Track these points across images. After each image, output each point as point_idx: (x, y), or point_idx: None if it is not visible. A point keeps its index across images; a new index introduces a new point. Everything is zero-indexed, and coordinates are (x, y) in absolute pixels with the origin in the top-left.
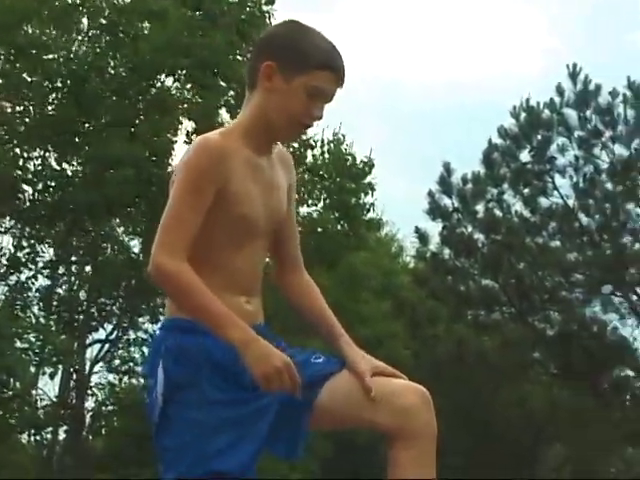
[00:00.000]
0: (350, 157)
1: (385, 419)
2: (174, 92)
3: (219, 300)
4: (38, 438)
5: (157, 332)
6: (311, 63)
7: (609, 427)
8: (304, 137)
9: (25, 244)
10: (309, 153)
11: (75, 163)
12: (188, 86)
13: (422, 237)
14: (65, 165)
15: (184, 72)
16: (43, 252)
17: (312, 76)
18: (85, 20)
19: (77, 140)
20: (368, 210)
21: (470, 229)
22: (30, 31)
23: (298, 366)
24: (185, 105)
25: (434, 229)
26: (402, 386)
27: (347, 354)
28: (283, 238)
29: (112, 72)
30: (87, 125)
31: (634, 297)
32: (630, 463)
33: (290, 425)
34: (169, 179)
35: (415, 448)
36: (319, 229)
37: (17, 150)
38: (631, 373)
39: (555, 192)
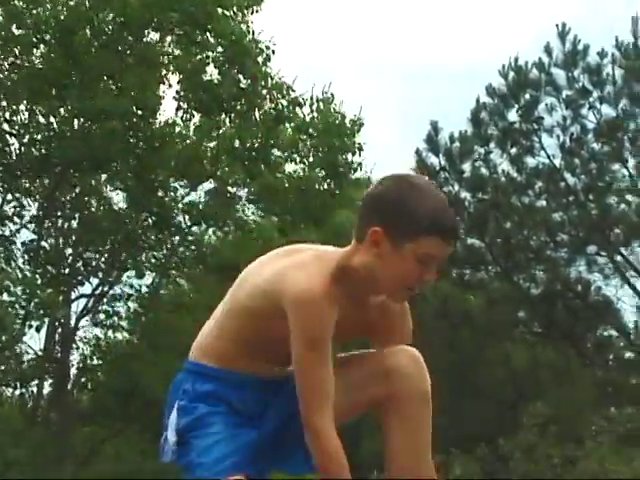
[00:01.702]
0: (339, 116)
1: (379, 389)
2: (162, 47)
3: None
4: (23, 391)
5: (179, 375)
6: (420, 230)
7: (592, 386)
8: (293, 95)
9: (10, 197)
10: (298, 111)
11: (62, 116)
12: (176, 41)
13: None
14: (52, 119)
15: (173, 27)
16: (29, 206)
17: (421, 243)
18: None
19: (64, 93)
20: (356, 169)
21: (457, 188)
22: None
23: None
24: (173, 60)
25: None
26: (392, 350)
27: None
28: None
29: (101, 25)
30: (74, 78)
31: (618, 257)
32: (612, 422)
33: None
34: (157, 134)
35: (406, 410)
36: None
37: (4, 103)
38: (614, 333)
39: (542, 152)
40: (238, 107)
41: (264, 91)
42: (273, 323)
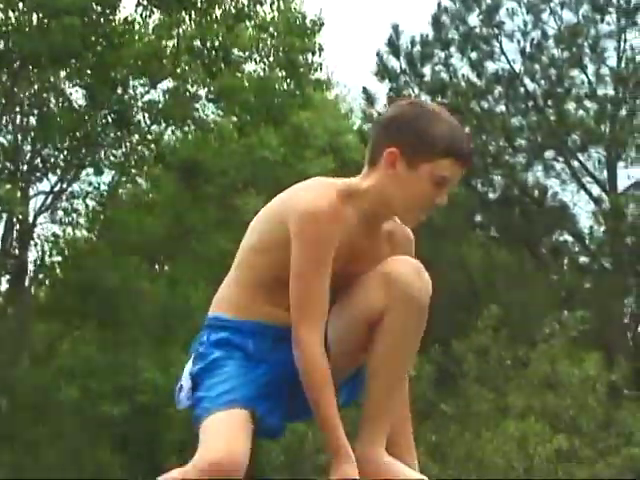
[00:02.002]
0: (300, 16)
1: (377, 298)
2: None
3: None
4: None
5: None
6: (437, 151)
7: (545, 290)
8: None
9: None
10: (259, 9)
11: (21, 11)
12: None
13: (369, 98)
14: (10, 13)
15: None
16: None
17: (438, 164)
18: None
19: None
20: (316, 70)
21: (417, 91)
22: None
23: None
24: None
25: (382, 90)
26: (395, 258)
27: None
28: None
29: None
30: None
31: (575, 163)
32: (565, 326)
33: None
34: (116, 32)
35: (392, 321)
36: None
37: None
38: (570, 238)
39: (502, 57)
40: (198, 4)
41: None
42: (285, 254)
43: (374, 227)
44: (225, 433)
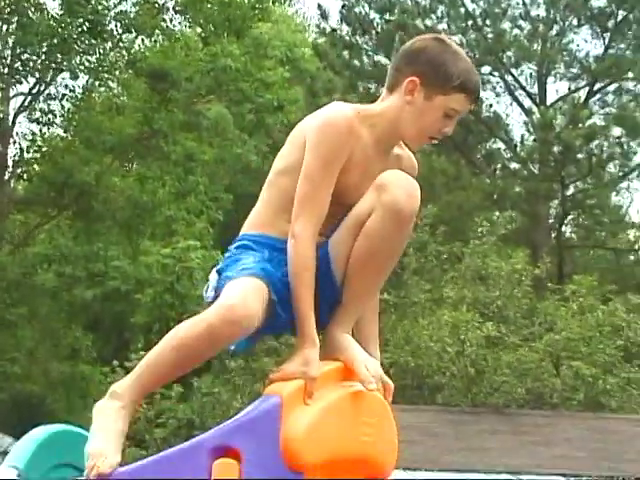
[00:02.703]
0: None
1: (368, 202)
2: None
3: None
4: None
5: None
6: (453, 85)
7: (479, 192)
8: None
9: None
10: None
11: None
12: None
13: (323, 14)
14: None
15: None
16: None
17: (451, 97)
18: None
19: None
20: None
21: (367, 9)
22: None
23: None
24: None
25: (335, 7)
26: (393, 171)
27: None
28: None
29: None
30: None
31: (509, 77)
32: (495, 225)
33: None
34: None
35: (372, 223)
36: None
37: None
38: (502, 145)
39: None
40: None
41: None
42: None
43: (386, 149)
44: (242, 289)
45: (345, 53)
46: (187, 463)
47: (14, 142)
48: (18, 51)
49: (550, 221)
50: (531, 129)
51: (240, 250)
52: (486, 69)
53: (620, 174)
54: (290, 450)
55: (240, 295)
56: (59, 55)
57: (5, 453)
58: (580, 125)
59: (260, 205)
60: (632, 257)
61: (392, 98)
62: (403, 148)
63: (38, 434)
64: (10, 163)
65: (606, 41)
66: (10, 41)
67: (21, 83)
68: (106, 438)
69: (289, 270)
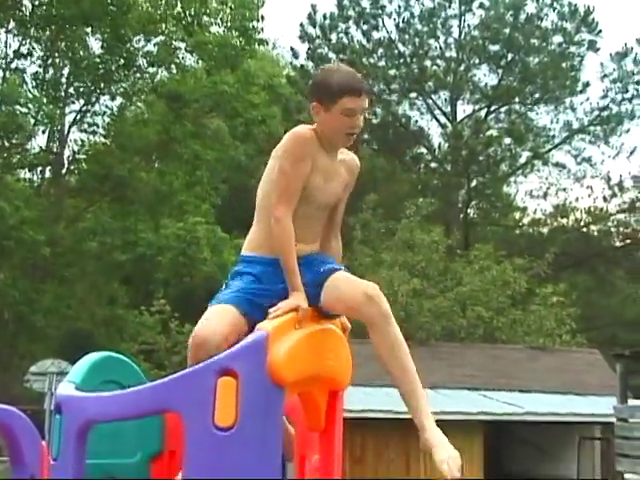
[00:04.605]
0: None
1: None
2: None
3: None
4: (29, 175)
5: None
6: (336, 94)
7: (408, 184)
8: None
9: (23, 41)
10: None
11: None
12: None
13: (295, 53)
14: None
15: None
16: (34, 49)
17: (341, 102)
18: None
19: None
20: (259, 32)
21: (326, 50)
22: None
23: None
24: None
25: (303, 49)
26: (347, 287)
27: None
28: (333, 213)
29: None
30: None
31: (430, 101)
32: (420, 207)
33: None
34: (125, 1)
35: (372, 332)
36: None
37: None
38: (425, 150)
39: (383, 28)
40: None
41: None
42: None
43: (333, 154)
44: (207, 315)
45: (310, 82)
46: (199, 380)
47: (68, 146)
48: (72, 80)
49: (459, 205)
50: (446, 138)
51: (231, 276)
52: (413, 94)
53: (509, 171)
54: (274, 370)
55: (204, 322)
56: (102, 83)
57: (64, 373)
58: (481, 135)
59: (255, 227)
60: (517, 231)
61: (315, 120)
62: (348, 153)
63: (89, 359)
64: (65, 162)
65: (500, 75)
66: (65, 72)
67: (74, 103)
68: None
69: (276, 243)
